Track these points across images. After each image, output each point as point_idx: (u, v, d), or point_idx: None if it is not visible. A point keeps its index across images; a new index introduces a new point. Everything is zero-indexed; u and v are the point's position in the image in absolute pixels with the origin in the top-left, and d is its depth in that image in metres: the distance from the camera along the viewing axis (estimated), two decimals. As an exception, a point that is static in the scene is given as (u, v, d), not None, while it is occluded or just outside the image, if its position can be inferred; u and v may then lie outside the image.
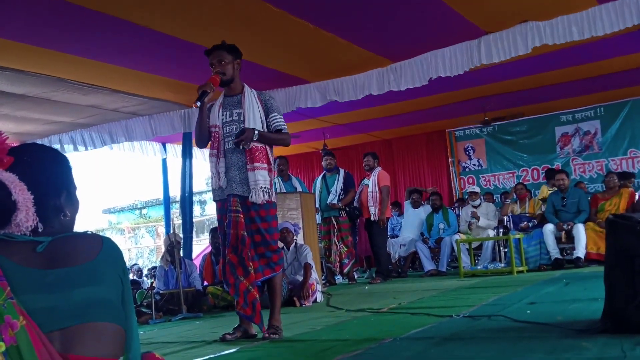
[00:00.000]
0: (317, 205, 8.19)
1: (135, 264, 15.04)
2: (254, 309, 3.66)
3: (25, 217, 1.32)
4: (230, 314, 6.08)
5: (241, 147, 3.68)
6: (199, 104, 3.65)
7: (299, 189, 8.08)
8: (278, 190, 7.94)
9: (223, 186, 3.73)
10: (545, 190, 8.97)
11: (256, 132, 3.67)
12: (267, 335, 3.63)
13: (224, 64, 3.74)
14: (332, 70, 7.38)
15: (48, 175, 1.42)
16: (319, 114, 9.49)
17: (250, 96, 3.81)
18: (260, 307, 3.72)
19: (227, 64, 3.75)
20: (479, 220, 8.65)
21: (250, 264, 3.66)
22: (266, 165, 3.73)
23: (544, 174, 10.66)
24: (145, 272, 13.38)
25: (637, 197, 7.86)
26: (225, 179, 3.71)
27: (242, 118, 3.76)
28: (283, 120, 3.86)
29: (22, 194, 1.32)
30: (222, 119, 3.81)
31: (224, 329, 4.59)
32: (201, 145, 3.89)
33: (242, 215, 3.68)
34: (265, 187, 3.69)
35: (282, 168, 8.29)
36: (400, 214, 10.49)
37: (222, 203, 3.79)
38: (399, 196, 11.84)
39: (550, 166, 10.84)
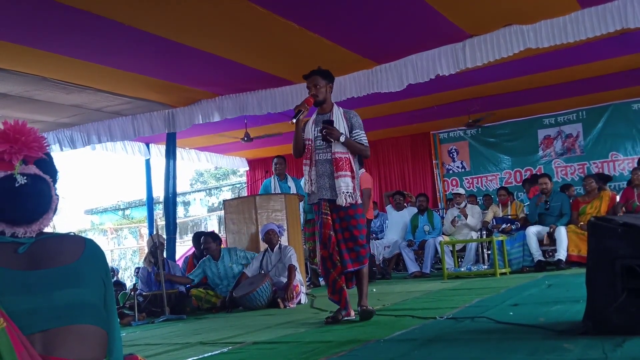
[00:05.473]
0: (301, 208, 8.15)
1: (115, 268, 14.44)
2: (340, 296, 4.17)
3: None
4: (214, 316, 6.06)
5: (323, 133, 4.14)
6: (294, 120, 4.15)
7: (294, 189, 8.04)
8: (273, 190, 7.92)
9: (315, 191, 4.23)
10: (495, 210, 9.01)
11: (343, 135, 4.16)
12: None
13: (318, 87, 4.25)
14: (318, 72, 7.36)
15: None
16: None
17: (338, 114, 4.30)
18: (345, 294, 4.19)
19: (321, 87, 4.26)
20: (466, 219, 8.67)
21: (338, 257, 4.17)
22: (349, 173, 4.18)
23: (495, 192, 10.03)
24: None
25: (617, 199, 7.95)
26: (317, 185, 4.22)
27: None
28: (365, 136, 4.31)
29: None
30: (314, 134, 4.28)
31: (207, 331, 4.59)
32: (297, 155, 4.36)
33: (329, 217, 4.20)
34: (348, 192, 4.15)
35: (280, 168, 8.23)
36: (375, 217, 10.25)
37: (315, 206, 4.30)
38: (384, 198, 11.83)
39: (532, 169, 10.95)
